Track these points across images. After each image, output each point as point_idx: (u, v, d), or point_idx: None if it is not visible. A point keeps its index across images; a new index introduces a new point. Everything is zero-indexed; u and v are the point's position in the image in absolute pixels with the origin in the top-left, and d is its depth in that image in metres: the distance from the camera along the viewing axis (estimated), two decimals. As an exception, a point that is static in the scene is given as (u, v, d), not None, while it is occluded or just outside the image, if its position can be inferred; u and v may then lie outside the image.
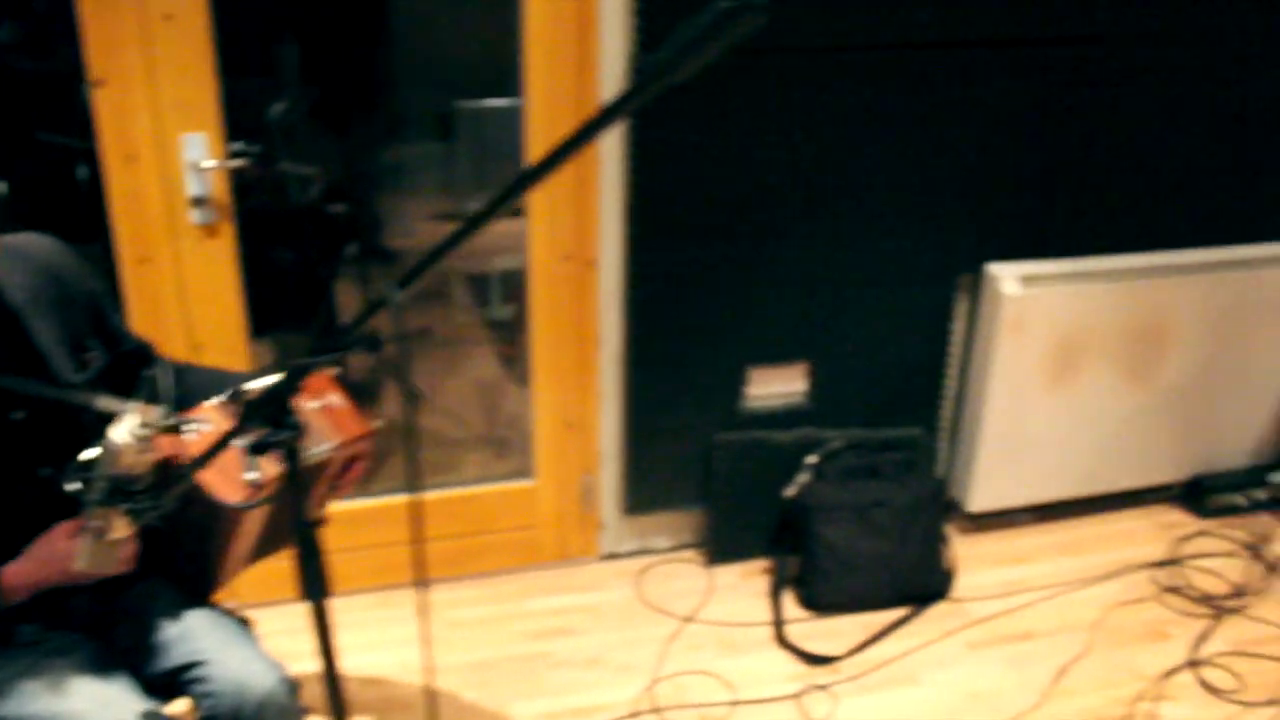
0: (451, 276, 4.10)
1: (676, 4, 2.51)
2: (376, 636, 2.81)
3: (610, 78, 2.62)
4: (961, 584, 3.09)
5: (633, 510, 3.08)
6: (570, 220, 2.75)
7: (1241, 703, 2.67)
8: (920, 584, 3.00)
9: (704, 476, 3.06)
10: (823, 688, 2.68)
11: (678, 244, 2.79)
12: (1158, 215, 3.20)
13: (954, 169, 2.94)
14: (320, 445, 1.76)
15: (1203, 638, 2.90)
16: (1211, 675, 2.76)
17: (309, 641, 1.47)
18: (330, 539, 1.47)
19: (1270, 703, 2.68)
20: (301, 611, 1.45)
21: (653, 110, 2.63)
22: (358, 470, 1.93)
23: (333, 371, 1.90)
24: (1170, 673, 2.77)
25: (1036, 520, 3.39)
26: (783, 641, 2.83)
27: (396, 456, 3.29)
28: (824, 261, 2.92)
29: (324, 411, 1.82)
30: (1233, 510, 3.45)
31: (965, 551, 3.23)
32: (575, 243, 2.78)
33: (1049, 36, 2.89)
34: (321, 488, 1.88)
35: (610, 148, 2.68)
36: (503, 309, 3.96)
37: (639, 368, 2.90)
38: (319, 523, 1.46)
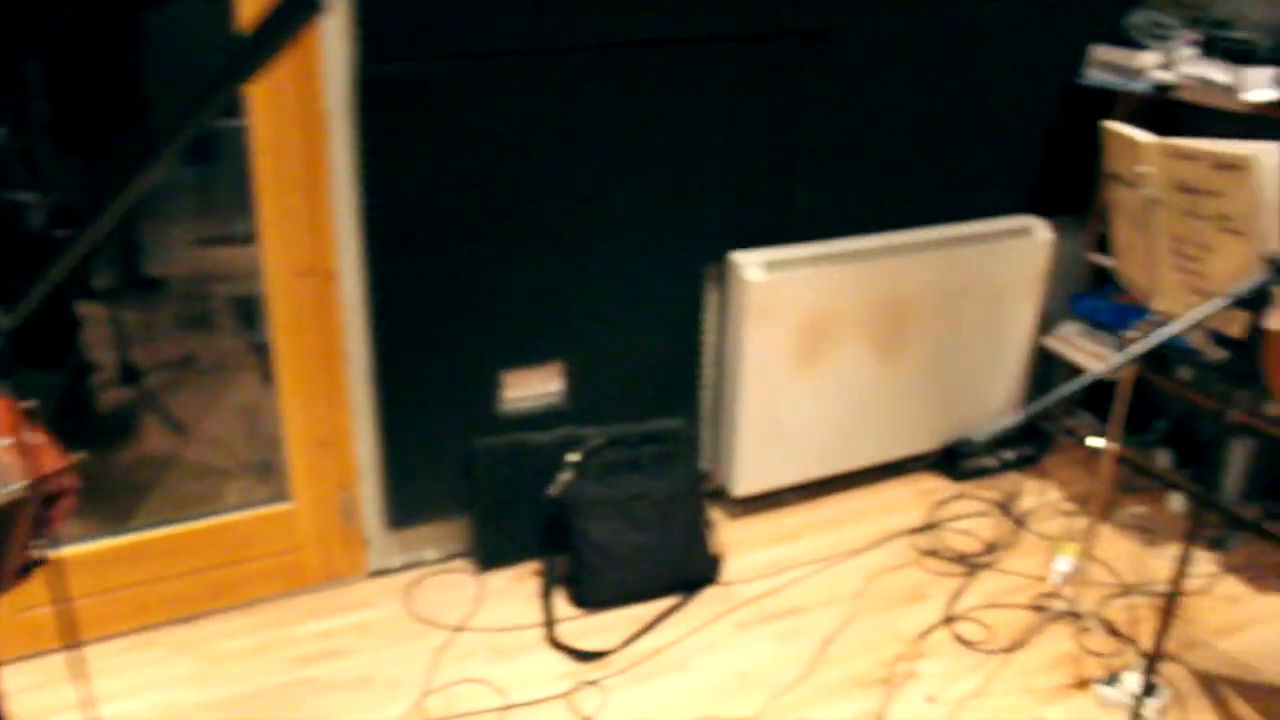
0: (216, 302, 3.96)
1: (395, 19, 2.49)
2: (136, 680, 2.68)
3: (335, 94, 2.57)
4: (731, 568, 3.15)
5: (398, 524, 3.03)
6: (304, 234, 2.69)
7: (988, 651, 2.82)
8: (688, 571, 3.05)
9: (467, 483, 3.04)
10: (593, 683, 2.69)
11: (420, 252, 2.76)
12: (891, 198, 3.34)
13: (694, 162, 3.00)
14: (8, 485, 1.67)
15: (957, 595, 3.04)
16: (964, 629, 2.90)
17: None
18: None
19: (1013, 647, 2.83)
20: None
21: (383, 117, 2.60)
22: (62, 508, 1.84)
23: (23, 404, 1.80)
24: (927, 631, 2.89)
25: (803, 499, 3.50)
26: (554, 642, 2.83)
27: (150, 491, 3.16)
28: (572, 261, 2.94)
29: (14, 449, 1.73)
30: (984, 472, 3.64)
31: (734, 535, 3.30)
32: (312, 257, 2.71)
33: (777, 31, 2.98)
34: (21, 530, 1.78)
35: (341, 158, 2.63)
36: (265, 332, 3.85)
37: (390, 378, 2.85)
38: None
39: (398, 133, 2.63)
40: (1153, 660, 2.35)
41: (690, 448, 3.26)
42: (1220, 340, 3.01)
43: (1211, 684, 2.73)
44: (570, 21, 2.71)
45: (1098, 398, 3.84)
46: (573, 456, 3.05)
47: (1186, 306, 2.19)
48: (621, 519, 2.97)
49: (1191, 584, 3.12)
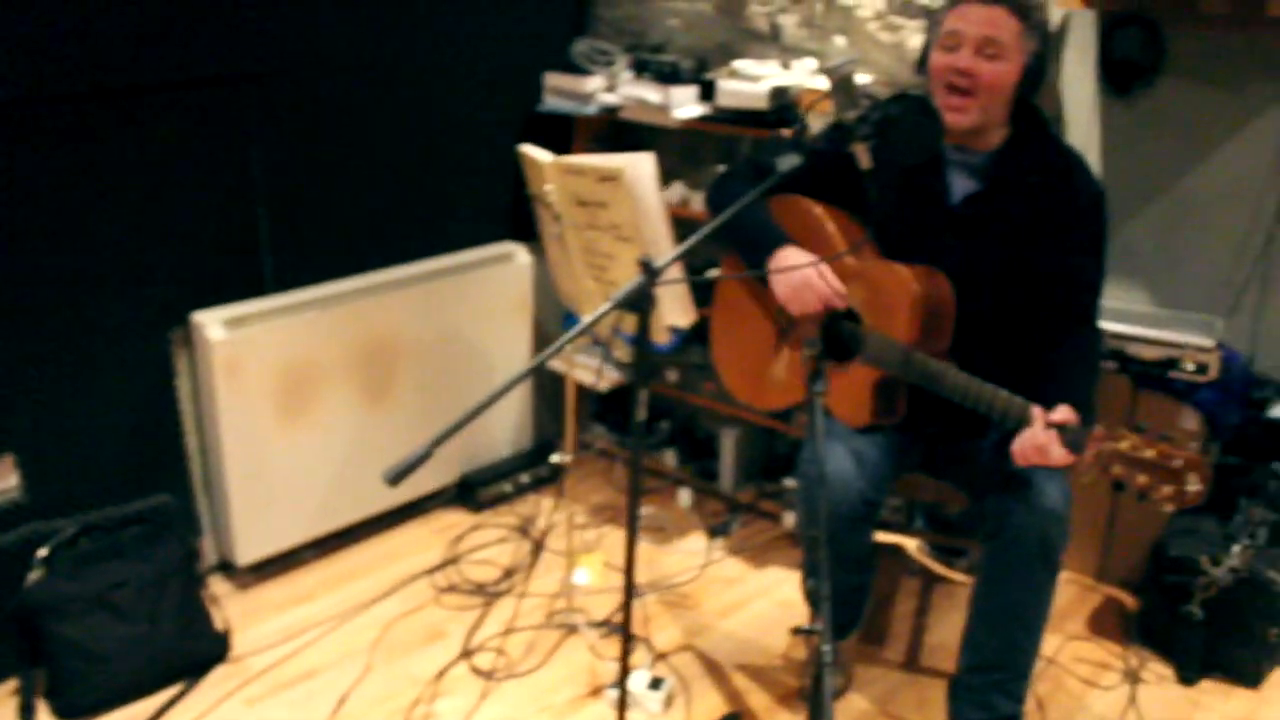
0: None
1: None
2: None
3: None
4: (242, 641, 2.97)
5: None
6: None
7: (505, 677, 2.82)
8: (191, 654, 2.83)
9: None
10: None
11: None
12: (369, 238, 3.30)
13: (148, 222, 2.81)
14: None
15: (476, 627, 3.03)
16: (482, 660, 2.88)
17: None
18: None
19: (531, 669, 2.85)
20: None
21: None
22: None
23: None
24: (445, 669, 2.85)
25: (320, 555, 3.36)
26: (28, 766, 2.53)
27: None
28: (11, 342, 2.65)
29: None
30: (502, 499, 3.67)
31: (245, 605, 3.12)
32: None
33: (207, 78, 2.85)
34: None
35: None
36: None
37: None
38: None
39: None
40: (656, 655, 2.43)
41: (180, 523, 3.03)
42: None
43: (715, 666, 2.88)
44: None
45: (611, 409, 3.99)
46: (41, 553, 2.75)
47: (612, 315, 2.30)
48: (102, 613, 2.71)
49: (697, 573, 3.29)
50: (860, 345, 2.31)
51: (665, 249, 2.08)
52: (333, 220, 3.20)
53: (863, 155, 1.95)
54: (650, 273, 1.80)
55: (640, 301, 1.82)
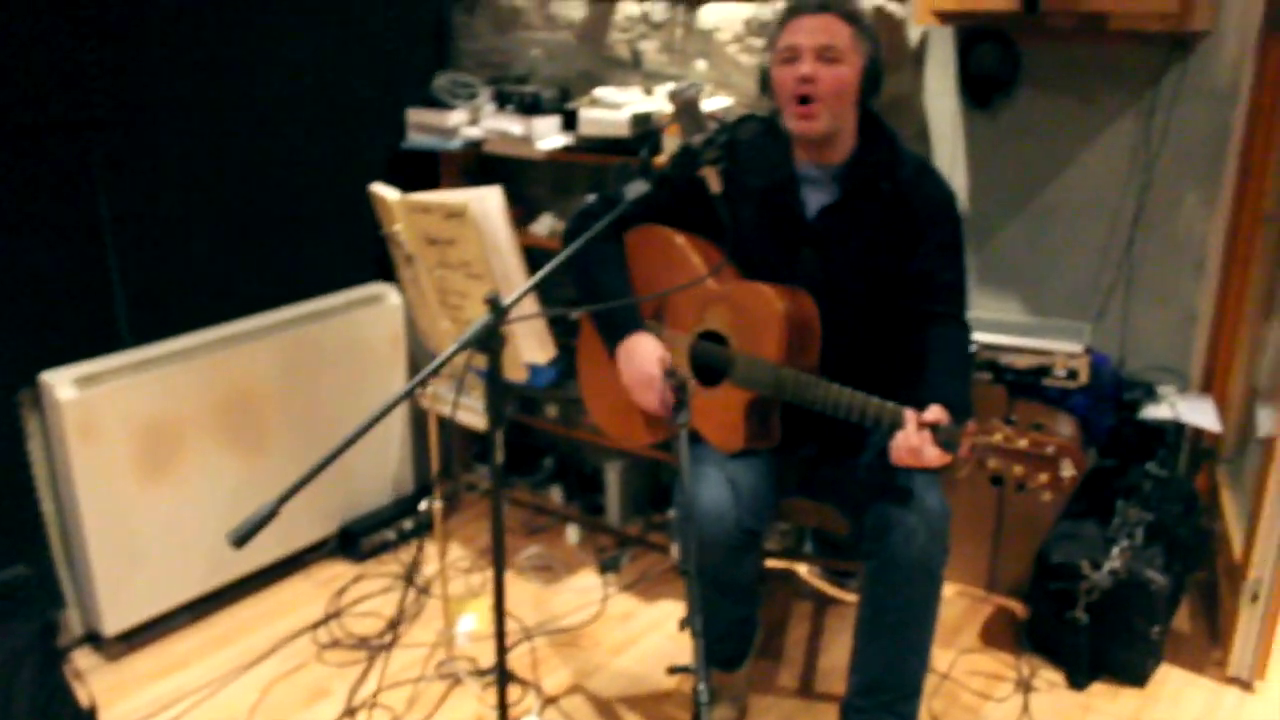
0: None
1: None
2: None
3: None
4: (110, 717, 2.81)
5: None
6: None
7: (387, 737, 2.72)
8: (51, 736, 2.67)
9: None
10: None
11: None
12: (233, 287, 3.19)
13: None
14: None
15: (360, 682, 2.91)
16: (365, 717, 2.77)
17: None
18: None
19: (413, 727, 2.76)
20: None
21: None
22: None
23: None
24: (328, 731, 2.74)
25: (196, 619, 3.22)
26: None
27: None
28: None
29: None
30: (386, 547, 3.56)
31: (115, 678, 2.96)
32: None
33: (54, 121, 2.72)
34: None
35: None
36: None
37: None
38: None
39: None
40: (546, 699, 2.35)
41: (38, 596, 2.87)
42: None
43: (607, 706, 2.81)
44: None
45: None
46: (-119, 641, 2.57)
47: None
48: (-49, 700, 2.54)
49: (589, 612, 3.22)
50: (729, 368, 2.28)
51: (518, 284, 2.02)
52: (192, 268, 3.08)
53: (713, 179, 1.92)
54: (497, 310, 1.74)
55: (488, 341, 1.76)
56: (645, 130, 2.91)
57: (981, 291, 3.48)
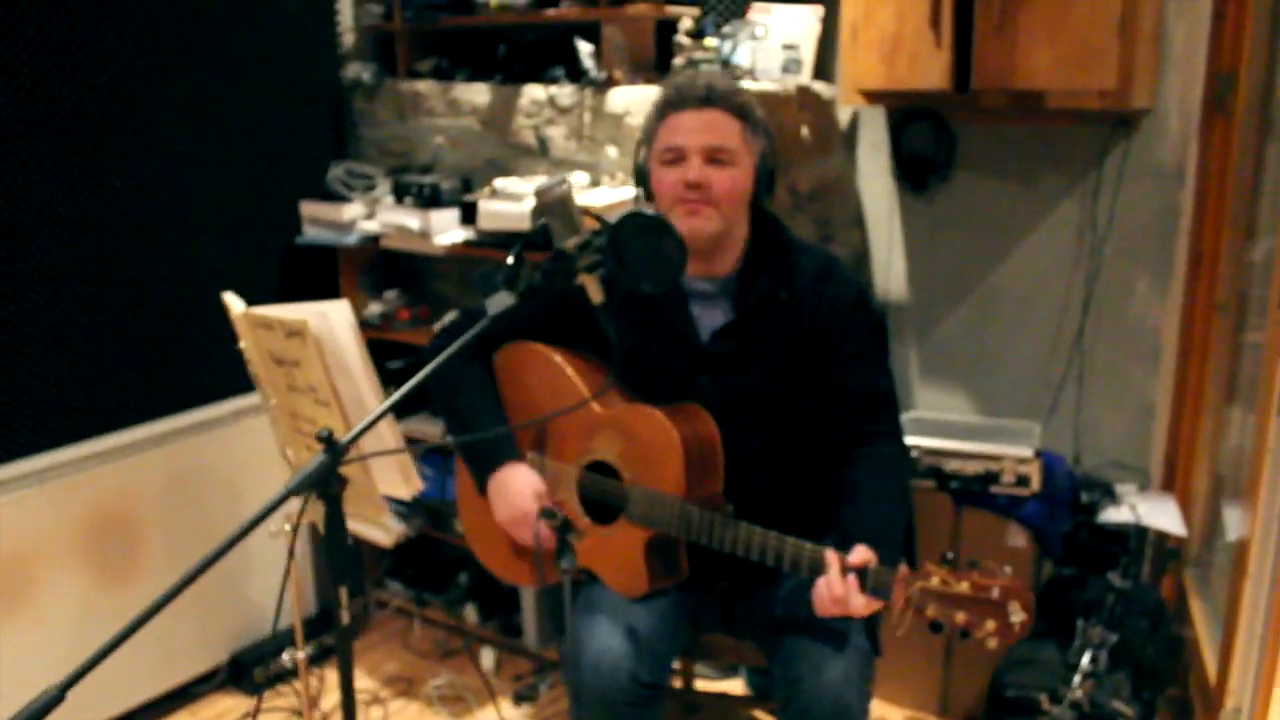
0: None
1: None
2: None
3: None
4: None
5: None
6: None
7: None
8: None
9: None
10: None
11: None
12: (103, 398, 2.89)
13: None
14: None
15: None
16: None
17: None
18: None
19: None
20: None
21: None
22: None
23: None
24: None
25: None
26: None
27: None
28: None
29: None
30: (283, 676, 3.23)
31: None
32: None
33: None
34: None
35: None
36: None
37: None
38: None
39: None
40: None
41: None
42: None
43: None
44: None
45: (407, 563, 3.59)
46: None
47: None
48: None
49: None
50: (624, 504, 2.00)
51: (373, 410, 1.73)
52: (59, 379, 2.78)
53: (593, 288, 1.66)
54: (333, 451, 1.46)
55: (324, 484, 1.48)
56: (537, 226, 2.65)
57: (923, 388, 3.25)
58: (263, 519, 1.41)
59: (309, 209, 3.19)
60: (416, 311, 3.23)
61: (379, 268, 3.37)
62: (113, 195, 2.82)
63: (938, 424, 2.91)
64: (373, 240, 3.12)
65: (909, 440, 2.66)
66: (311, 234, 3.20)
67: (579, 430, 2.05)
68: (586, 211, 1.71)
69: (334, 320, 1.82)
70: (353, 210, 3.11)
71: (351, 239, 3.12)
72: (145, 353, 2.95)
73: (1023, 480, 2.65)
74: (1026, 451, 2.67)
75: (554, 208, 1.65)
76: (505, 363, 2.15)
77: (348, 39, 3.38)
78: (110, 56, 2.77)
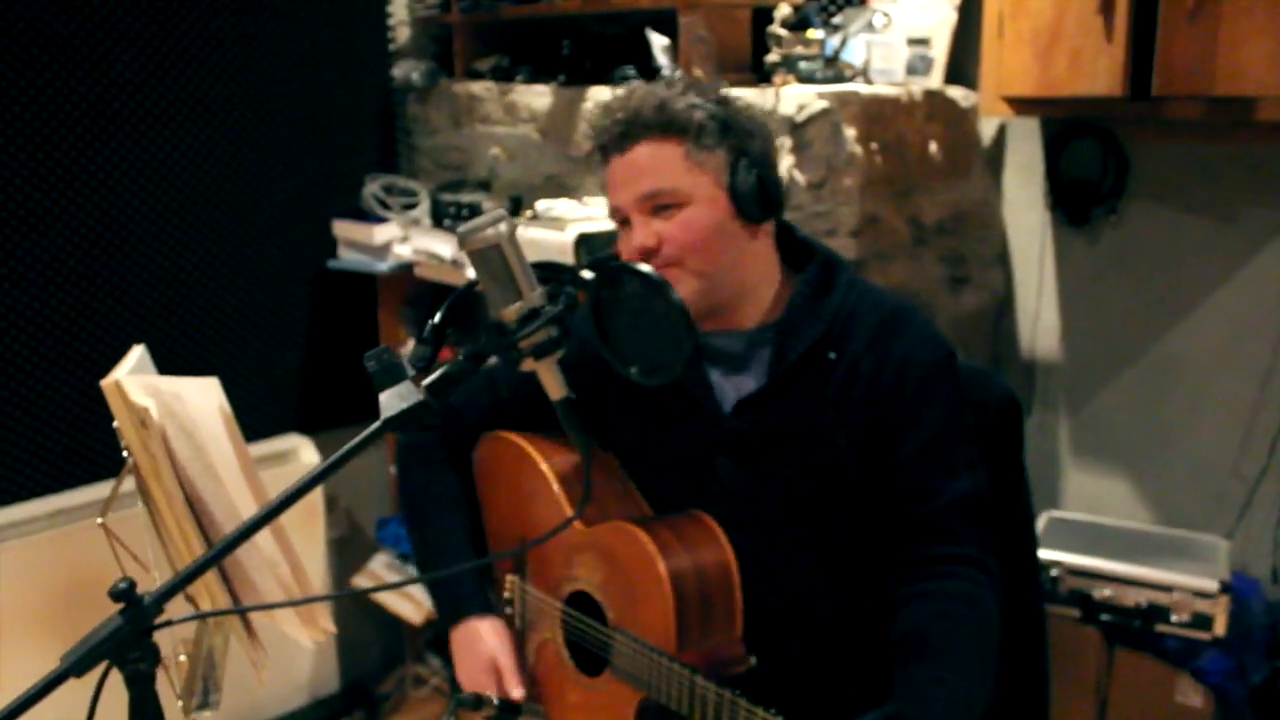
0: None
1: None
2: None
3: None
4: None
5: None
6: None
7: None
8: None
9: None
10: None
11: None
12: (84, 444, 2.53)
13: None
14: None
15: None
16: None
17: None
18: None
19: None
20: None
21: None
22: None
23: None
24: None
25: None
26: None
27: None
28: None
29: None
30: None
31: None
32: None
33: None
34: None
35: None
36: None
37: None
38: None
39: None
40: None
41: None
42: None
43: None
44: None
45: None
46: None
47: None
48: None
49: None
50: (607, 654, 1.45)
51: (234, 526, 1.21)
52: (42, 427, 2.44)
53: (547, 379, 1.15)
54: (136, 610, 0.98)
55: (120, 658, 1.00)
56: (592, 256, 2.15)
57: (1071, 478, 2.64)
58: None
59: (341, 229, 2.76)
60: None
61: (426, 298, 2.92)
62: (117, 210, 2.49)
63: (1087, 531, 2.30)
64: (404, 268, 2.67)
65: (1045, 554, 2.06)
66: (345, 258, 2.77)
67: (561, 550, 1.53)
68: (549, 264, 1.18)
69: (193, 406, 1.34)
70: (386, 232, 2.66)
71: (384, 265, 2.67)
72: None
73: (1202, 621, 2.01)
74: (1209, 583, 2.03)
75: (485, 258, 1.14)
76: (487, 455, 1.64)
77: (401, 34, 2.94)
78: (112, 57, 2.48)
